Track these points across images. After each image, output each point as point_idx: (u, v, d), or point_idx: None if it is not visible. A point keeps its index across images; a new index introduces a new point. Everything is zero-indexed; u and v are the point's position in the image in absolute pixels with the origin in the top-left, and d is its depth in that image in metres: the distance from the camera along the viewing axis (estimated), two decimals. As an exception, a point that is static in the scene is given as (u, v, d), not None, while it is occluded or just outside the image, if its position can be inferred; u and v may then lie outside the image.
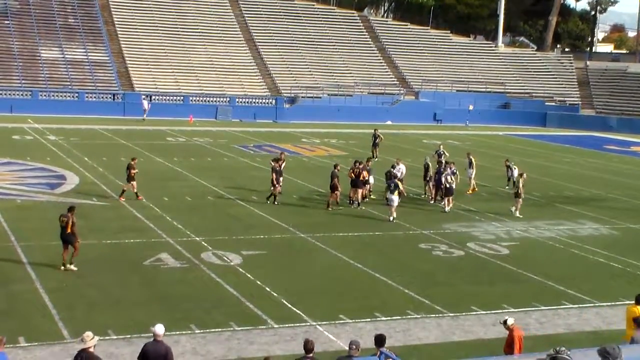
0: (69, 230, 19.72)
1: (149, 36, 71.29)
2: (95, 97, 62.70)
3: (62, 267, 19.63)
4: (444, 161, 32.76)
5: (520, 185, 29.53)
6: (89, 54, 67.14)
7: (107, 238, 23.26)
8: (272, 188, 29.83)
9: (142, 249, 22.11)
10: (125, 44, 69.44)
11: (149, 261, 20.97)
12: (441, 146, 38.75)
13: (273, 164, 30.46)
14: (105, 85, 64.77)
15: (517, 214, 29.51)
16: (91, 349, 11.74)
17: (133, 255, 21.54)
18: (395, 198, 27.69)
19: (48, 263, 20.38)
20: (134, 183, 29.03)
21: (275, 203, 29.52)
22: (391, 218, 27.69)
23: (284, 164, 31.08)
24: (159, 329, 12.32)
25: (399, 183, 28.67)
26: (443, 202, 30.13)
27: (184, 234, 24.16)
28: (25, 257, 20.77)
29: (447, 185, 29.77)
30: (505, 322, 13.93)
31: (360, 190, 29.97)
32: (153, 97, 63.73)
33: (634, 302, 14.90)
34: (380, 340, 12.49)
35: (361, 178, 29.74)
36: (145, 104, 60.52)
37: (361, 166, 30.13)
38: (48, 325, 15.99)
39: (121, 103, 62.53)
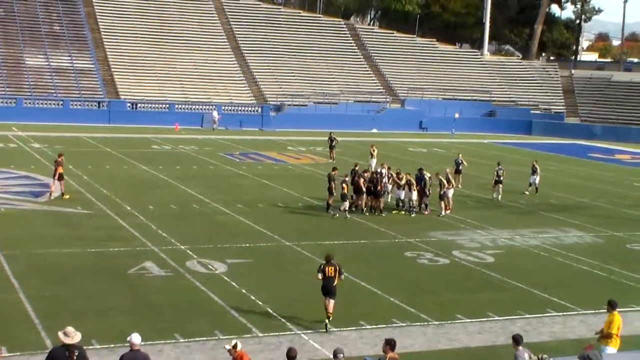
0: None
1: (135, 44, 71.12)
2: (80, 105, 62.36)
3: None
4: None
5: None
6: (74, 61, 66.87)
7: (91, 246, 23.16)
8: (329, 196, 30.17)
9: (127, 258, 22.02)
10: (110, 52, 69.23)
11: (133, 270, 20.89)
12: (460, 155, 38.88)
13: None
14: (91, 92, 64.53)
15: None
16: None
17: (117, 263, 21.44)
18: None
19: (31, 272, 20.28)
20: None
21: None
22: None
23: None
24: (136, 338, 12.10)
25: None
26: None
27: (169, 242, 24.09)
28: (8, 265, 20.65)
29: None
30: (235, 346, 12.52)
31: (364, 197, 30.17)
32: (138, 105, 63.62)
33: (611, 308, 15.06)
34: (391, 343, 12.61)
35: (363, 185, 30.08)
36: (216, 114, 61.71)
37: (366, 174, 30.69)
38: (31, 335, 15.90)
39: (106, 111, 62.32)
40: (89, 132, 54.37)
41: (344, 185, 29.36)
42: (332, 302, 17.42)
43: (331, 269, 17.51)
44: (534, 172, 37.27)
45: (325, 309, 17.33)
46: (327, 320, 17.23)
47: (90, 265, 21.25)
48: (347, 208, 29.29)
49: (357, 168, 31.73)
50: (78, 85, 64.81)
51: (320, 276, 17.51)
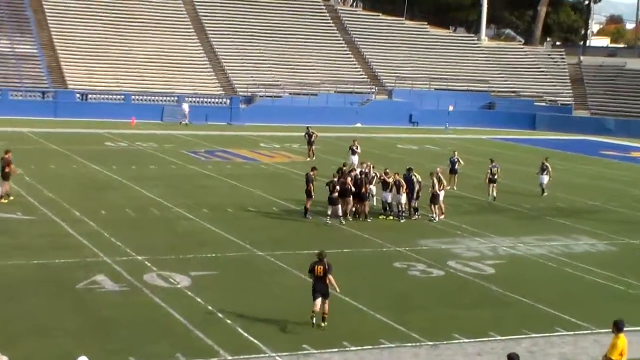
0: None
1: (85, 26, 70.79)
2: (21, 96, 62.16)
3: None
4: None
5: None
6: (15, 45, 66.49)
7: (34, 257, 22.95)
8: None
9: (75, 270, 21.85)
10: (56, 35, 68.87)
11: (82, 284, 20.72)
12: (455, 153, 38.86)
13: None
14: (34, 81, 64.19)
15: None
16: None
17: (64, 277, 21.28)
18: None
19: (-36, 287, 20.03)
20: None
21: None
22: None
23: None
24: None
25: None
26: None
27: (124, 252, 23.95)
28: (-63, 279, 20.38)
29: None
30: None
31: (349, 200, 29.91)
32: (89, 96, 63.31)
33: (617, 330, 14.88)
34: None
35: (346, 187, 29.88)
36: (186, 107, 62.02)
37: (353, 173, 30.66)
38: (-37, 360, 15.65)
39: (52, 102, 61.97)
40: (31, 126, 54.07)
41: (337, 187, 29.25)
42: (320, 300, 17.91)
43: (320, 268, 18.11)
44: (543, 171, 37.62)
45: (314, 311, 17.89)
46: (322, 323, 18.07)
47: (32, 279, 21.05)
48: (341, 214, 29.25)
49: (344, 168, 31.66)
50: (19, 72, 64.36)
51: (310, 277, 18.35)
